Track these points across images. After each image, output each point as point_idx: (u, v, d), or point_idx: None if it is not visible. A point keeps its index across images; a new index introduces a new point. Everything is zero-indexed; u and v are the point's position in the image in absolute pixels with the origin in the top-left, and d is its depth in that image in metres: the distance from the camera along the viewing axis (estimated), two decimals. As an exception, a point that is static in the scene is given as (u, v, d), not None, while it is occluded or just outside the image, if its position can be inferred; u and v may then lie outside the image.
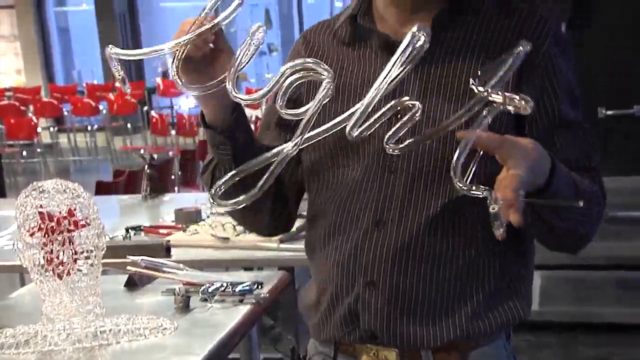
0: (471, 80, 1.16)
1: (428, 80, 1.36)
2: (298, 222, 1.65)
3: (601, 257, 3.96)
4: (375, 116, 1.16)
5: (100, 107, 12.11)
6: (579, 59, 3.74)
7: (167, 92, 12.68)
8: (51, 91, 13.42)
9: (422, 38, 1.15)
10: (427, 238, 1.36)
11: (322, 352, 1.51)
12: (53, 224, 1.56)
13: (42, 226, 1.56)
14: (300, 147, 1.22)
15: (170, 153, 8.39)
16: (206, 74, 1.31)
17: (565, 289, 4.23)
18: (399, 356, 1.41)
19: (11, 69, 14.40)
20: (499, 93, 1.14)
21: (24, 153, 10.63)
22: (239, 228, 2.61)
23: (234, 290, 1.86)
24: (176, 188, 5.73)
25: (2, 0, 13.98)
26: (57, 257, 1.57)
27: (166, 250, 2.51)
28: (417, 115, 1.16)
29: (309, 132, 1.21)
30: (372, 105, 1.17)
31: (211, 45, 1.31)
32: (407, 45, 1.15)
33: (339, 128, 1.20)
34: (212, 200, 1.24)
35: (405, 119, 1.16)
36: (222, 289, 1.86)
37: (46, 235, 1.56)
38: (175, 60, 1.28)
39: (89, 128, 11.95)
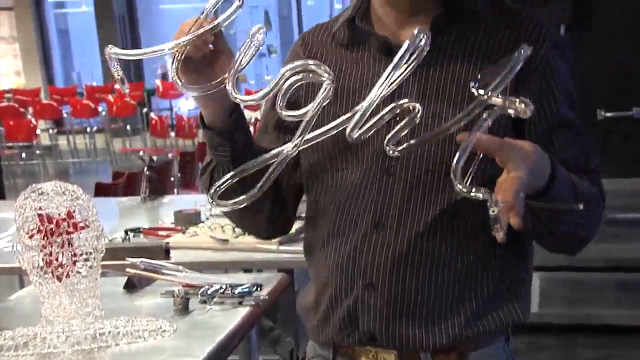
0: (471, 84, 1.15)
1: (427, 83, 1.36)
2: (297, 224, 1.65)
3: (600, 259, 3.96)
4: (376, 118, 1.16)
5: (100, 109, 12.11)
6: (579, 59, 3.74)
7: (166, 94, 12.68)
8: (50, 93, 13.42)
9: (423, 41, 1.15)
10: (426, 241, 1.36)
11: (321, 355, 1.51)
12: (52, 226, 1.56)
13: (41, 228, 1.56)
14: (300, 149, 1.22)
15: (170, 155, 8.39)
16: (206, 75, 1.31)
17: (565, 290, 4.23)
18: (397, 358, 1.41)
19: (10, 70, 14.40)
20: (499, 96, 1.13)
21: (23, 155, 10.63)
22: (239, 230, 2.60)
23: (233, 292, 1.86)
24: (175, 190, 5.73)
25: (2, 1, 13.99)
26: (56, 259, 1.57)
27: (165, 252, 2.50)
28: (417, 117, 1.16)
29: (308, 133, 1.21)
30: (373, 108, 1.17)
31: (211, 46, 1.31)
32: (408, 48, 1.15)
33: (339, 130, 1.20)
34: (211, 200, 1.24)
35: (405, 121, 1.16)
36: (222, 291, 1.86)
37: (45, 238, 1.56)
38: (174, 61, 1.28)
39: (88, 130, 11.95)
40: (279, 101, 1.19)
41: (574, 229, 1.36)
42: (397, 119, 1.18)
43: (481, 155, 1.17)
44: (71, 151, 11.86)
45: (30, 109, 11.94)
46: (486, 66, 1.33)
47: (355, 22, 1.44)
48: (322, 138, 1.22)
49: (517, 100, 1.12)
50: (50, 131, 11.92)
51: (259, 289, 1.91)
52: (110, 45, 1.28)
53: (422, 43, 1.15)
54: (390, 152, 1.16)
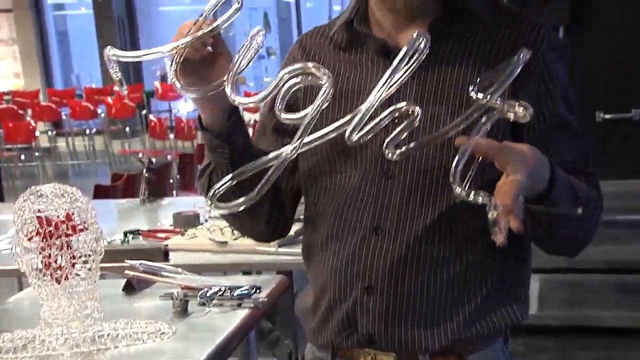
0: (470, 87, 1.15)
1: (425, 85, 1.36)
2: (296, 226, 1.65)
3: (600, 260, 3.96)
4: (375, 121, 1.16)
5: (99, 111, 12.10)
6: (578, 60, 3.73)
7: (165, 95, 12.68)
8: (49, 95, 13.42)
9: (423, 44, 1.15)
10: (425, 244, 1.36)
11: (319, 357, 1.51)
12: (51, 228, 1.56)
13: (40, 230, 1.56)
14: (299, 152, 1.22)
15: (169, 157, 8.39)
16: (204, 77, 1.31)
17: (564, 292, 4.23)
18: (396, 360, 1.41)
19: (9, 72, 14.39)
20: (498, 100, 1.13)
21: (22, 157, 10.61)
22: (238, 232, 2.60)
23: (232, 295, 1.86)
24: (174, 192, 5.73)
25: (1, 3, 13.98)
26: (55, 262, 1.57)
27: (164, 255, 2.50)
28: (417, 120, 1.16)
29: (307, 136, 1.20)
30: (372, 110, 1.17)
31: (209, 48, 1.31)
32: (407, 51, 1.15)
33: (338, 132, 1.20)
34: (210, 203, 1.24)
35: (404, 124, 1.16)
36: (221, 293, 1.86)
37: (44, 240, 1.56)
38: (173, 63, 1.28)
39: (88, 132, 11.94)
40: (278, 104, 1.19)
41: (574, 233, 1.36)
42: (396, 121, 1.18)
43: (480, 158, 1.17)
44: (70, 153, 11.86)
45: (30, 111, 11.94)
46: (484, 69, 1.34)
47: (353, 24, 1.44)
48: (321, 141, 1.22)
49: (516, 104, 1.13)
50: (49, 133, 11.92)
51: (258, 291, 1.91)
52: (109, 47, 1.27)
53: (421, 46, 1.14)
54: (389, 155, 1.16)
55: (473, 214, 1.27)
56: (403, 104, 1.17)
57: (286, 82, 1.18)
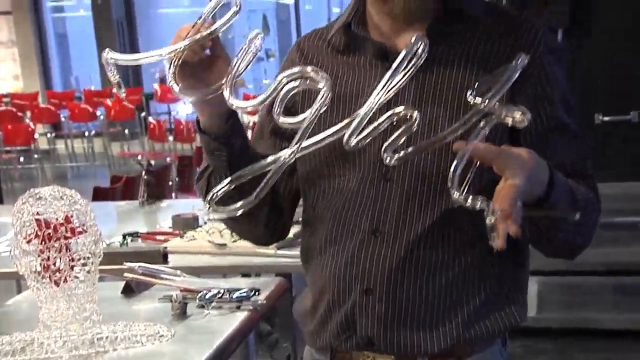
0: (469, 92, 1.15)
1: (423, 88, 1.36)
2: (295, 229, 1.65)
3: (598, 263, 3.96)
4: (373, 126, 1.16)
5: (98, 113, 12.11)
6: (578, 63, 3.73)
7: (164, 98, 12.68)
8: (48, 97, 13.41)
9: (421, 48, 1.15)
10: (423, 247, 1.36)
11: (318, 360, 1.51)
12: (50, 230, 1.56)
13: (39, 233, 1.56)
14: (297, 156, 1.21)
15: (168, 159, 8.40)
16: (203, 80, 1.31)
17: (562, 294, 4.23)
18: (395, 363, 1.41)
19: (9, 74, 14.39)
20: (496, 105, 1.13)
21: (21, 159, 10.61)
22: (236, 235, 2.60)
23: (231, 297, 1.86)
24: (173, 194, 5.72)
25: (0, 6, 13.98)
26: (54, 264, 1.57)
27: (163, 257, 2.50)
28: (414, 125, 1.16)
29: (305, 140, 1.20)
30: (370, 114, 1.17)
31: (208, 51, 1.31)
32: (406, 55, 1.15)
33: (337, 137, 1.20)
34: (208, 207, 1.23)
35: (403, 128, 1.16)
36: (220, 295, 1.86)
37: (43, 242, 1.56)
38: (172, 66, 1.28)
39: (87, 134, 11.94)
40: (276, 108, 1.19)
41: (572, 236, 1.37)
42: (395, 124, 1.18)
43: (478, 163, 1.17)
44: (69, 155, 11.86)
45: (28, 113, 11.94)
46: (483, 71, 1.34)
47: (351, 27, 1.44)
48: (319, 145, 1.21)
49: (514, 109, 1.13)
50: (48, 135, 11.92)
51: (256, 293, 1.91)
52: (107, 50, 1.27)
53: (419, 50, 1.14)
54: (387, 160, 1.16)
55: (471, 218, 1.27)
56: (401, 108, 1.17)
57: (284, 85, 1.18)
